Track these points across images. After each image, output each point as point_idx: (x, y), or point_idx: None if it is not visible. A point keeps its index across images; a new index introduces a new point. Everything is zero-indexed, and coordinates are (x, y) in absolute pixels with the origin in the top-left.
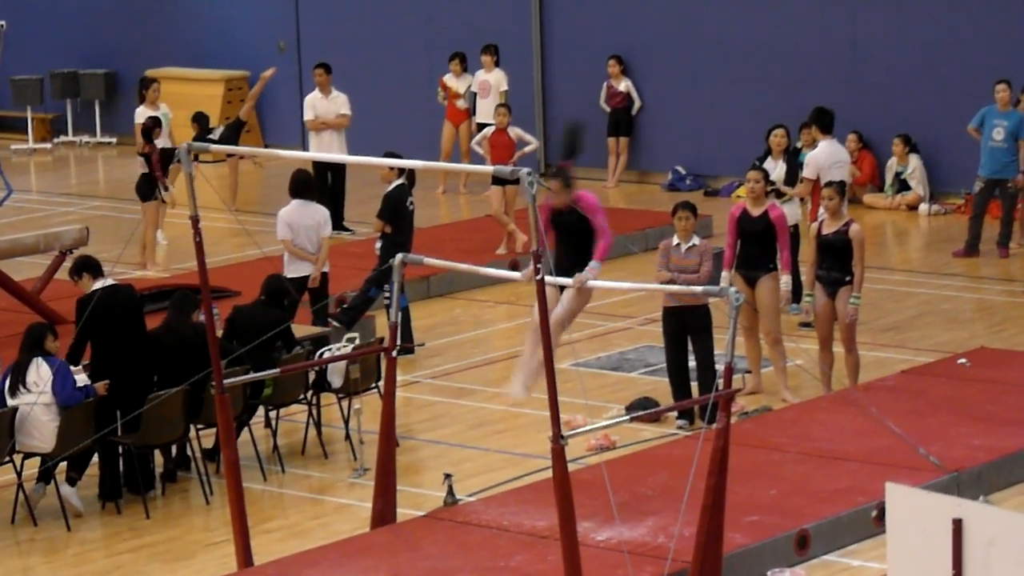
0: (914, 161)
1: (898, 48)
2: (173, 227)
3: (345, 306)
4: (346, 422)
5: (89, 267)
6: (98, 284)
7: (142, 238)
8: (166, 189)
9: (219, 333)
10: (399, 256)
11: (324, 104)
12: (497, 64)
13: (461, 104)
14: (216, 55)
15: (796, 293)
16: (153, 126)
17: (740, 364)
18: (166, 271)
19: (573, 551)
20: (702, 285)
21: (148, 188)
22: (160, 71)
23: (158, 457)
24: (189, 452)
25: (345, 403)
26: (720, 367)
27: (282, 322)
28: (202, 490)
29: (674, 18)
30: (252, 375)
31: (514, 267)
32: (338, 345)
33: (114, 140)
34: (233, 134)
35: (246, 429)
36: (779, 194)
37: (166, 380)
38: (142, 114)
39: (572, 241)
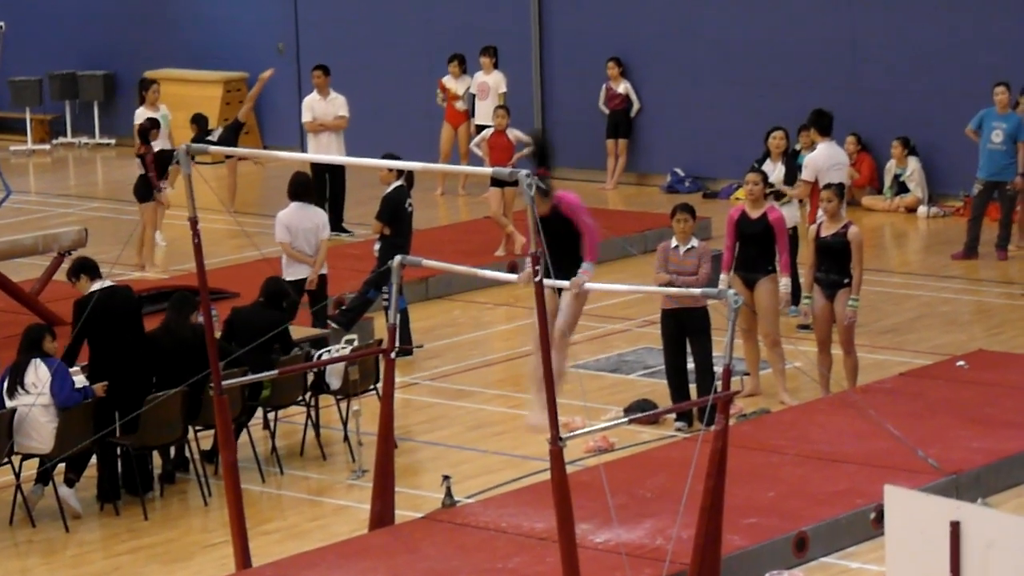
0: (913, 163)
1: (897, 50)
2: (172, 228)
3: (344, 308)
4: (344, 424)
5: (87, 268)
6: (96, 285)
7: (140, 239)
8: (159, 190)
9: (217, 334)
10: (398, 258)
11: (322, 106)
12: (496, 66)
13: (460, 106)
14: (215, 56)
15: (795, 295)
16: (150, 127)
17: (739, 366)
18: (165, 272)
19: (571, 553)
20: (701, 287)
21: (146, 189)
22: (159, 72)
23: (156, 458)
24: (187, 453)
25: (344, 405)
26: (719, 369)
27: (280, 324)
28: (200, 491)
29: (673, 20)
30: (250, 377)
31: (513, 269)
32: (337, 347)
33: (113, 141)
34: (232, 135)
35: (244, 430)
36: (778, 196)
37: (165, 381)
38: (142, 115)
39: (560, 244)
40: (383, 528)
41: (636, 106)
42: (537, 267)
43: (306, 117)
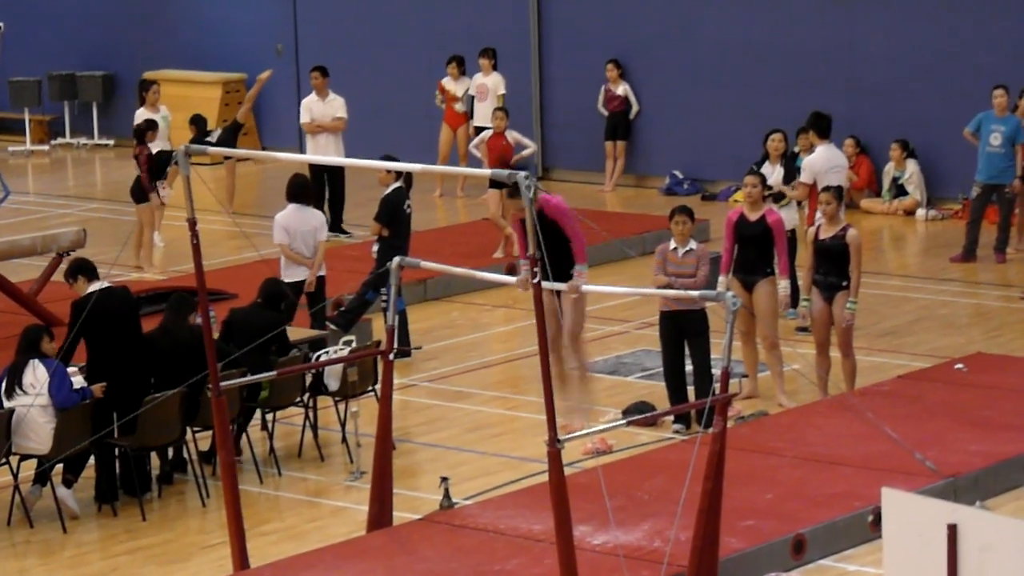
0: (912, 166)
1: (896, 53)
2: (170, 229)
3: (342, 309)
4: (343, 425)
5: (84, 270)
6: (93, 287)
7: (137, 241)
8: (149, 191)
9: (216, 335)
10: (396, 259)
11: (320, 107)
12: (495, 67)
13: (459, 107)
14: (214, 57)
15: (794, 298)
16: (145, 128)
17: (737, 368)
18: (163, 273)
19: (569, 555)
20: (699, 289)
21: (142, 191)
22: (158, 73)
23: (154, 459)
24: (185, 454)
25: (342, 406)
26: (717, 371)
27: (278, 325)
28: (198, 492)
29: (672, 22)
30: (249, 378)
31: (511, 271)
32: (335, 348)
33: (112, 142)
34: (231, 136)
35: (244, 432)
36: (776, 199)
37: (163, 382)
38: (142, 116)
39: (548, 247)
40: (381, 529)
41: (635, 108)
42: (535, 269)
43: (304, 118)
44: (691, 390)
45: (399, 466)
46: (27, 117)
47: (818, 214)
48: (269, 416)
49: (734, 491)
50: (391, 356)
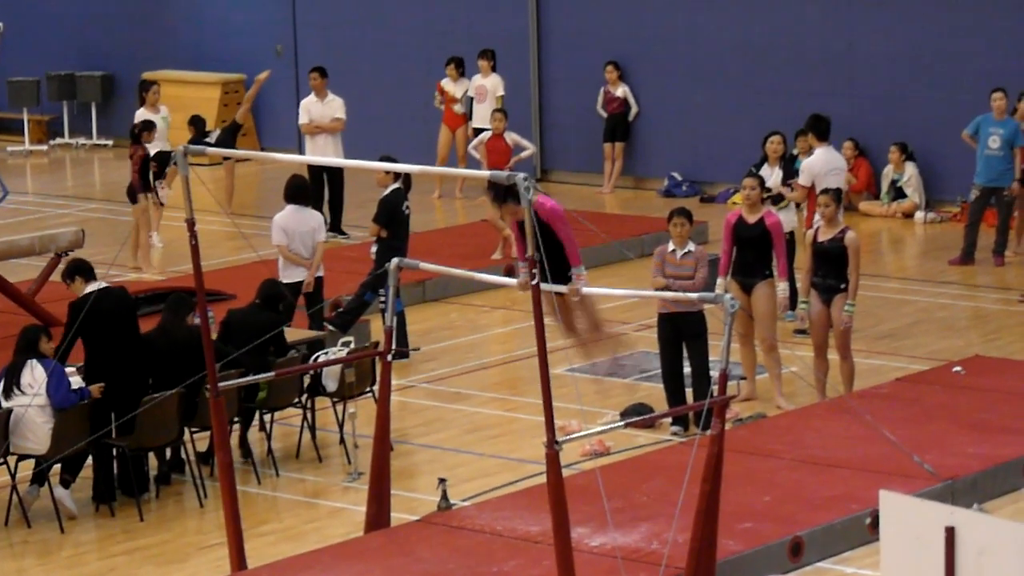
0: (910, 169)
1: (895, 56)
2: (169, 230)
3: (340, 310)
4: (340, 426)
5: (81, 270)
6: (91, 287)
7: (135, 241)
8: (138, 191)
9: (214, 336)
10: (395, 260)
11: (319, 108)
12: (494, 69)
13: (458, 109)
14: (213, 58)
15: (792, 300)
16: (142, 129)
17: (735, 371)
18: (162, 273)
19: (567, 556)
20: (697, 291)
21: (143, 190)
22: (157, 74)
23: (152, 460)
24: (183, 455)
25: (340, 407)
26: (715, 373)
27: (276, 326)
28: (196, 493)
29: (671, 24)
30: (247, 378)
31: (510, 272)
32: (333, 349)
33: (110, 142)
34: (229, 137)
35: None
36: (775, 201)
37: (161, 383)
38: (142, 116)
39: (547, 249)
40: (379, 530)
41: (634, 110)
42: (533, 271)
43: (303, 119)
44: (689, 392)
45: (397, 467)
46: (26, 117)
47: (816, 216)
48: (267, 417)
49: (732, 493)
50: (389, 357)
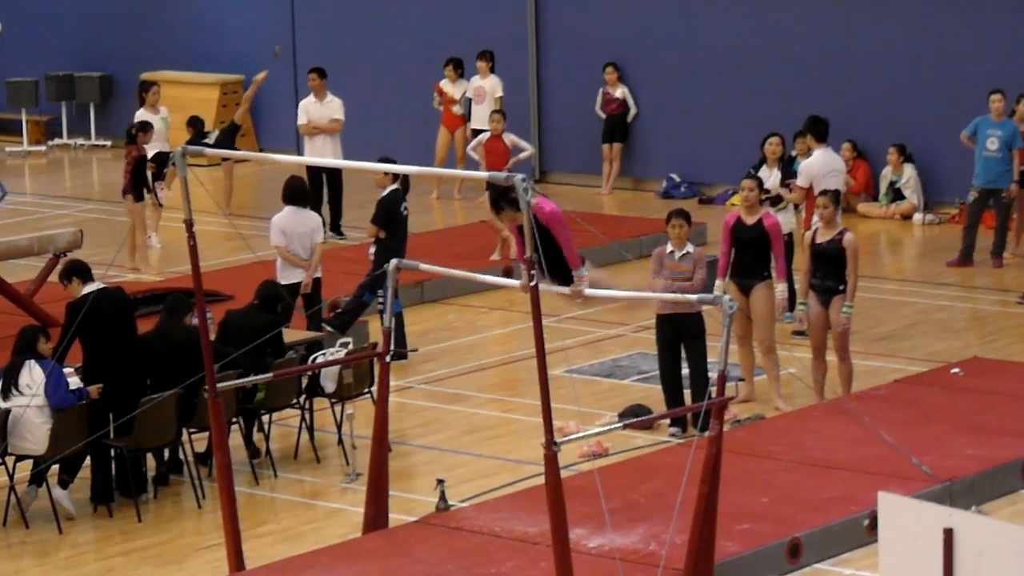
0: (909, 170)
1: (893, 57)
2: (168, 231)
3: (339, 311)
4: (339, 427)
5: (78, 271)
6: (88, 288)
7: (132, 242)
8: (128, 191)
9: (212, 337)
10: (393, 261)
11: (317, 109)
12: (492, 70)
13: (457, 110)
14: (211, 59)
15: (791, 301)
16: (139, 130)
17: (733, 372)
18: (160, 274)
19: (565, 557)
20: (696, 293)
21: (134, 190)
22: (155, 74)
23: (150, 460)
24: (181, 456)
25: (338, 408)
26: (713, 375)
27: (274, 327)
28: (194, 494)
29: (670, 26)
30: (245, 379)
31: (508, 273)
32: (331, 350)
33: (109, 143)
34: (228, 138)
35: (238, 433)
36: (774, 202)
37: (159, 384)
38: (141, 117)
39: (546, 251)
40: (377, 531)
41: (633, 111)
42: (532, 272)
43: (301, 120)
44: (687, 393)
45: (395, 468)
46: (24, 118)
47: (815, 218)
48: (265, 418)
49: (730, 495)
50: (388, 358)
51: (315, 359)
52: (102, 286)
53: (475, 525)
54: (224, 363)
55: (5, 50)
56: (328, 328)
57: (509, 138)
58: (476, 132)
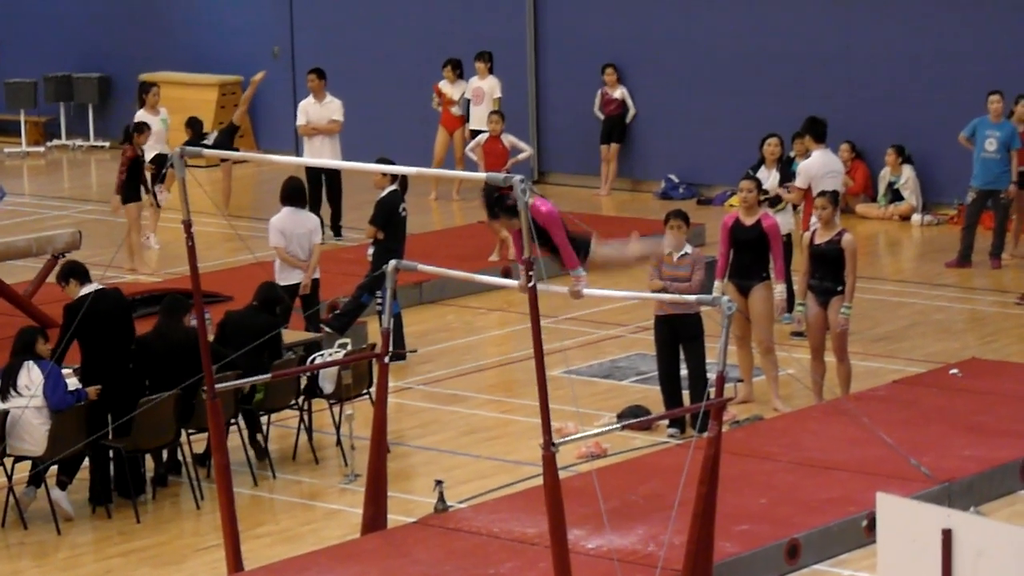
0: (907, 171)
1: (892, 58)
2: (166, 231)
3: (337, 312)
4: (337, 428)
5: (76, 273)
6: (85, 289)
7: (129, 243)
8: (118, 191)
9: (211, 338)
10: (392, 262)
11: (316, 110)
12: (491, 71)
13: (456, 111)
14: (210, 60)
15: (790, 302)
16: (134, 130)
17: (732, 373)
18: (155, 274)
19: (563, 558)
20: (694, 294)
21: (129, 191)
22: (154, 75)
23: (149, 461)
24: (180, 457)
25: (336, 409)
26: (712, 376)
27: (273, 327)
28: (192, 495)
29: (668, 27)
30: (243, 380)
31: (506, 274)
32: (330, 351)
33: (107, 144)
34: (227, 139)
35: (236, 434)
36: (772, 203)
37: (158, 384)
38: (141, 118)
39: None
40: (375, 532)
41: (631, 112)
42: (530, 273)
43: (300, 121)
44: (686, 394)
45: (393, 469)
46: (23, 118)
47: (813, 219)
48: (264, 419)
49: (728, 495)
50: (386, 359)
51: (314, 360)
52: (100, 287)
53: (474, 526)
54: (222, 364)
55: (4, 51)
56: (327, 329)
57: (508, 139)
58: (474, 133)
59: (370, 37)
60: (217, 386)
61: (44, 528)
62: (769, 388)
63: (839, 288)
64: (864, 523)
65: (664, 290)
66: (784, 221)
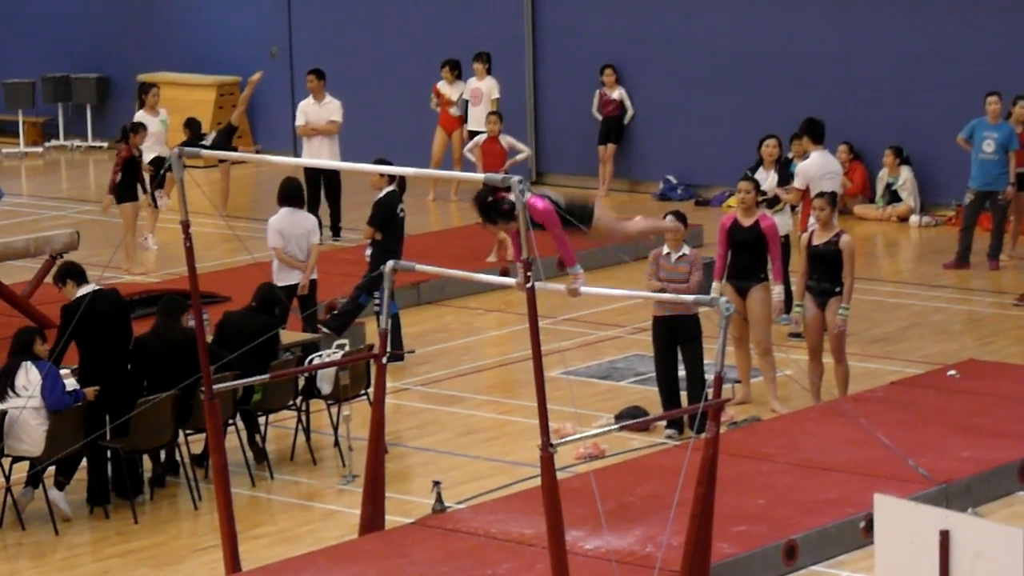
0: (905, 172)
1: (890, 59)
2: (164, 232)
3: (335, 312)
4: (335, 428)
5: (73, 274)
6: (83, 290)
7: (125, 242)
8: (111, 190)
9: (209, 338)
10: (390, 263)
11: (315, 110)
12: (489, 72)
13: (454, 111)
14: (208, 60)
15: (788, 303)
16: (129, 130)
17: (730, 374)
18: (145, 273)
19: (561, 559)
20: (692, 295)
21: (124, 191)
22: (152, 76)
23: (147, 462)
24: (178, 457)
25: (334, 409)
26: (710, 377)
27: (271, 328)
28: (190, 495)
29: (666, 28)
30: (241, 381)
31: (504, 275)
32: (328, 352)
33: (105, 144)
34: (225, 139)
35: (234, 435)
36: (770, 204)
37: (156, 385)
38: (140, 119)
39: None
40: (373, 533)
41: (630, 112)
42: (528, 273)
43: (299, 121)
44: (684, 395)
45: (391, 470)
46: (21, 119)
47: (811, 220)
48: (262, 419)
49: (726, 496)
50: (384, 360)
51: (311, 361)
52: (97, 288)
53: (471, 527)
54: (221, 364)
55: (2, 51)
56: (324, 330)
57: (506, 140)
58: (473, 134)
59: (368, 38)
60: (215, 387)
61: (42, 528)
62: (767, 389)
63: (837, 289)
64: (862, 524)
65: (662, 291)
66: (782, 222)
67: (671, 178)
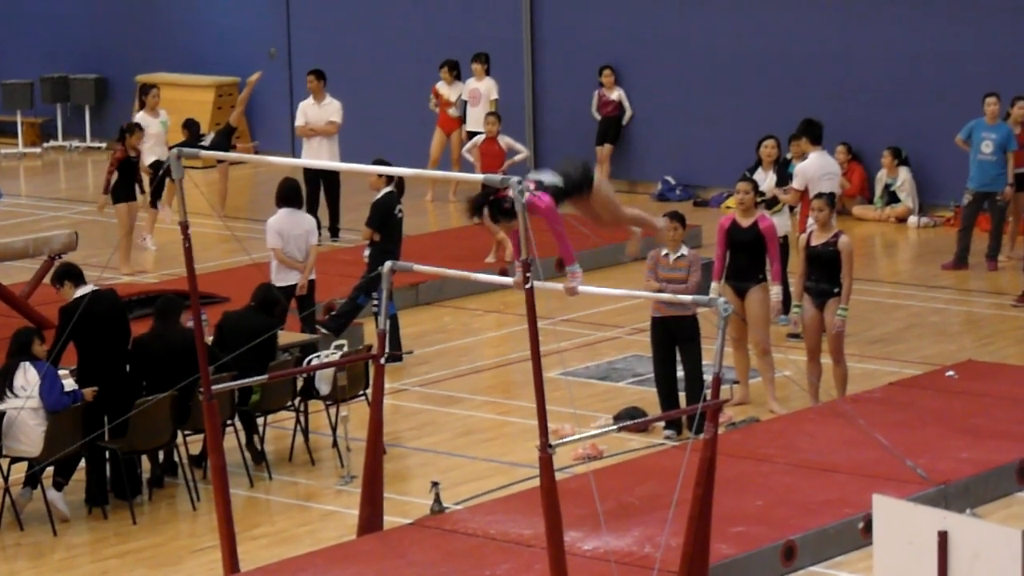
0: (904, 173)
1: (888, 60)
2: (163, 233)
3: (333, 313)
4: (333, 429)
5: (71, 275)
6: (80, 291)
7: (120, 243)
8: (106, 190)
9: (208, 339)
10: (388, 263)
11: (315, 111)
12: (488, 72)
13: (453, 112)
14: (207, 61)
15: (786, 304)
16: (126, 130)
17: (728, 375)
18: (133, 274)
19: (560, 560)
20: (690, 295)
21: (122, 191)
22: (151, 77)
23: (145, 463)
24: (176, 458)
25: (333, 410)
26: (708, 377)
27: (269, 329)
28: (189, 496)
29: (665, 28)
30: (240, 381)
31: (503, 276)
32: (326, 352)
33: (104, 145)
34: (224, 140)
35: (233, 435)
36: (769, 205)
37: (154, 386)
38: (140, 119)
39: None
40: (371, 534)
41: (628, 113)
42: (527, 273)
43: (299, 121)
44: (682, 396)
45: (390, 470)
46: (19, 119)
47: (810, 220)
48: (260, 420)
49: (725, 497)
50: (382, 360)
51: (310, 361)
52: (95, 288)
53: (470, 527)
54: (219, 365)
55: (1, 52)
56: (323, 330)
57: (504, 140)
58: (471, 134)
59: (367, 38)
60: (213, 387)
61: (40, 529)
62: (765, 390)
63: (835, 290)
64: (860, 525)
65: (660, 291)
66: (781, 223)
67: (670, 179)
